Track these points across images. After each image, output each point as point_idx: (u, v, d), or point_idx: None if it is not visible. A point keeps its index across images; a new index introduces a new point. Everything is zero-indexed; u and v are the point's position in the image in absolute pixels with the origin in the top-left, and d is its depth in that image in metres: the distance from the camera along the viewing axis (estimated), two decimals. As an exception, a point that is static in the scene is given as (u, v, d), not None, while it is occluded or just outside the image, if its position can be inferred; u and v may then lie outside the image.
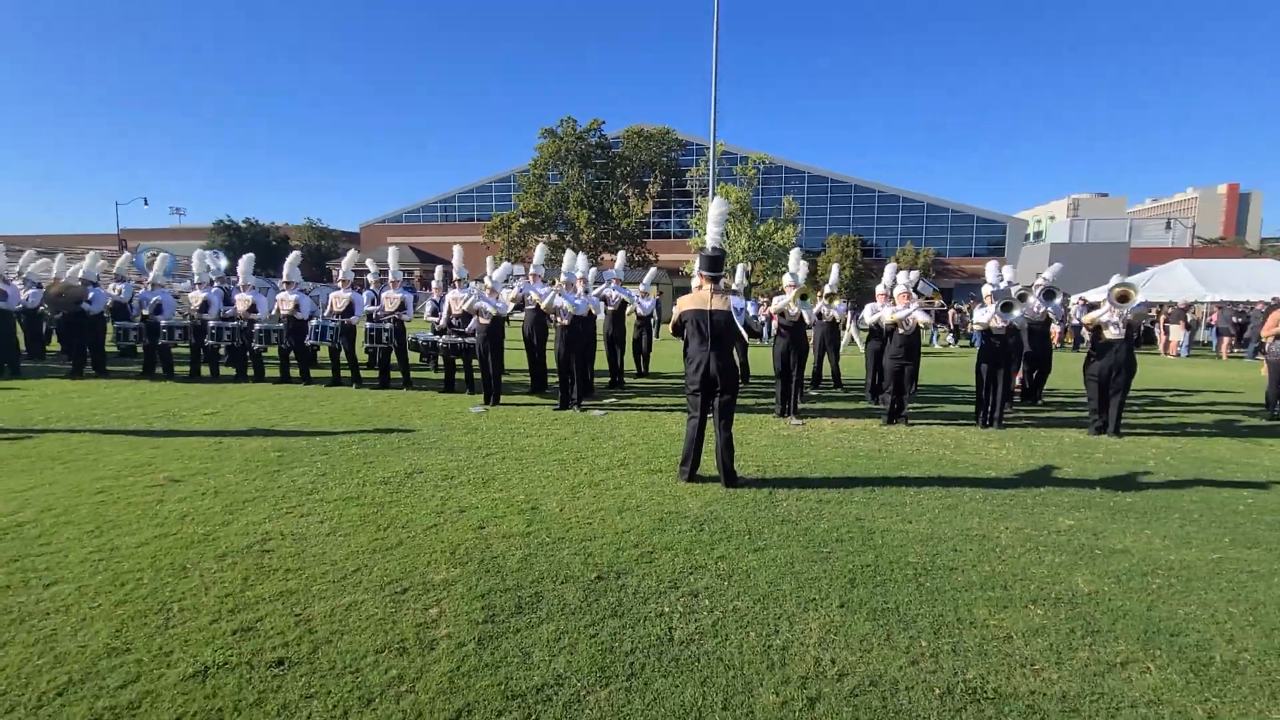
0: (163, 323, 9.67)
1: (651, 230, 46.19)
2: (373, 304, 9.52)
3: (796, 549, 3.67)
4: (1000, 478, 5.23)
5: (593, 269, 10.04)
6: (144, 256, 10.55)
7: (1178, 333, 18.28)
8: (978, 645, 2.69)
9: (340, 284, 9.43)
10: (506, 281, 9.01)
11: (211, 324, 9.50)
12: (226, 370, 10.09)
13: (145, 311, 9.78)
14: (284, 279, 9.48)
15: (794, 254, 8.32)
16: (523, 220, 37.16)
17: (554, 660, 2.54)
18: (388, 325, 9.00)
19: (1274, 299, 17.21)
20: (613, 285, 10.07)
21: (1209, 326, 19.48)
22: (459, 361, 8.96)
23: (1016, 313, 7.18)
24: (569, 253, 8.88)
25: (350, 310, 9.19)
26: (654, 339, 11.18)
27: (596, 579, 3.25)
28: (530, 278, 8.82)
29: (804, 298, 7.59)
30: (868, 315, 8.46)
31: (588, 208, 37.37)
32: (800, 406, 7.86)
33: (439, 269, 10.13)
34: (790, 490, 4.76)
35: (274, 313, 9.56)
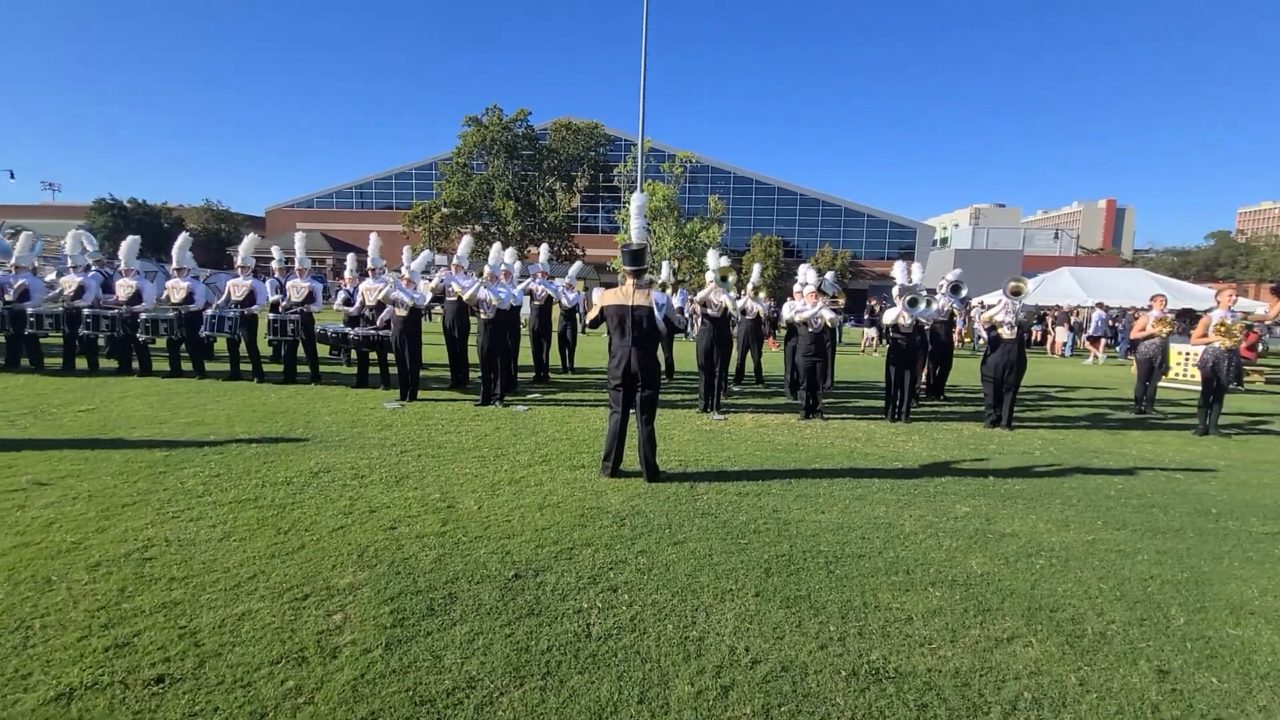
0: (29, 310, 8.68)
1: (579, 224, 45.91)
2: (278, 293, 8.93)
3: (715, 541, 3.73)
4: (906, 469, 5.53)
5: (517, 262, 9.83)
6: (2, 235, 9.40)
7: (1063, 334, 20.02)
8: (881, 628, 2.83)
9: (240, 270, 8.78)
10: (426, 272, 8.68)
11: (88, 312, 8.61)
12: (107, 363, 9.18)
13: (9, 297, 8.74)
14: (174, 264, 8.72)
15: (711, 254, 8.49)
16: (445, 210, 35.99)
17: (467, 662, 2.45)
18: (294, 316, 8.46)
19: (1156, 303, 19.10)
20: (538, 279, 9.91)
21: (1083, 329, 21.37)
22: (373, 355, 8.55)
23: (922, 307, 7.61)
24: (496, 244, 8.67)
25: (251, 299, 8.57)
26: (579, 334, 11.11)
27: (514, 577, 3.18)
28: (453, 268, 8.54)
29: (724, 279, 7.79)
30: (786, 313, 8.73)
31: (513, 199, 36.66)
32: (723, 402, 8.02)
33: (350, 257, 9.63)
34: (711, 484, 4.83)
35: (163, 300, 8.78)
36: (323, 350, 10.00)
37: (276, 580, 3.05)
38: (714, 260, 8.32)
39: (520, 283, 9.21)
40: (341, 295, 9.45)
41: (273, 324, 8.53)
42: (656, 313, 4.80)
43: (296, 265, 8.76)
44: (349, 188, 50.49)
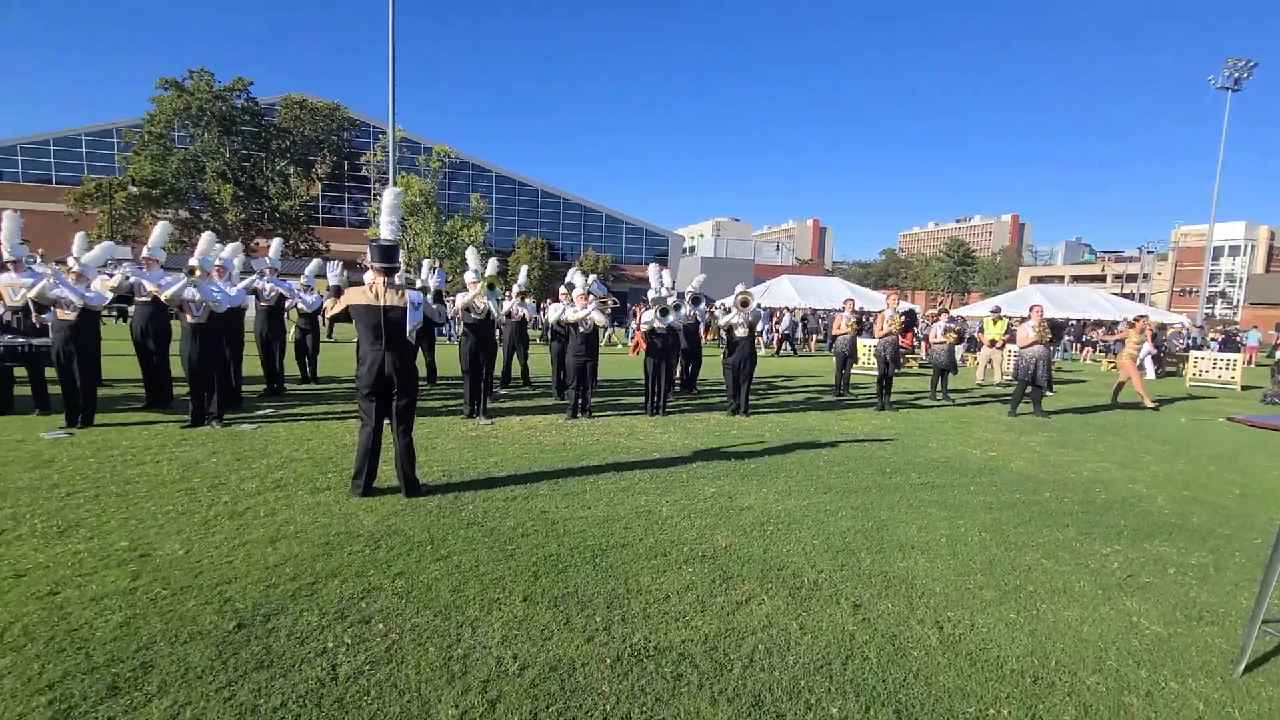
0: None
1: (321, 216, 41.07)
2: None
3: (482, 551, 3.59)
4: (664, 458, 5.96)
5: (239, 256, 8.40)
6: None
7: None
8: (642, 610, 2.99)
9: None
10: (105, 265, 6.95)
11: None
12: None
13: None
14: None
15: (470, 252, 8.24)
16: (134, 189, 29.32)
17: (166, 746, 1.99)
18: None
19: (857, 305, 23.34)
20: (265, 276, 8.57)
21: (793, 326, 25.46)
22: (20, 371, 6.55)
23: (671, 317, 8.31)
24: (206, 234, 7.24)
25: None
26: (321, 339, 9.91)
27: (236, 628, 2.68)
28: (144, 263, 6.96)
29: (491, 287, 7.48)
30: (551, 315, 8.85)
31: (233, 182, 31.34)
32: (489, 406, 7.82)
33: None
34: (477, 491, 4.66)
35: None
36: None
37: None
38: (474, 259, 8.07)
39: (243, 280, 7.87)
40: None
41: None
42: (412, 313, 4.46)
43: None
44: (-23, 151, 38.29)
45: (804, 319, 25.52)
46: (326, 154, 36.14)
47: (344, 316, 4.48)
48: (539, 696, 2.32)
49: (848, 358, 11.37)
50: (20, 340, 6.31)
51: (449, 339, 17.55)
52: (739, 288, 8.92)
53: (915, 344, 19.26)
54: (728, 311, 8.84)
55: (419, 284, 9.24)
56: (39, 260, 6.34)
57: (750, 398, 8.81)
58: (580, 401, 7.95)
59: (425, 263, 10.47)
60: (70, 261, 6.28)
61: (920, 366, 16.98)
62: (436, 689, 2.34)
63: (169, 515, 3.94)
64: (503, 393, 9.65)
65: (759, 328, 21.04)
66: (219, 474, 4.83)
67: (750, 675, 2.51)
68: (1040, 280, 58.38)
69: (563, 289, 8.93)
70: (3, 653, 2.44)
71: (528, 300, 9.50)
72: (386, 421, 4.49)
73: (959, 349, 15.20)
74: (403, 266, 9.01)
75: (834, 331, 11.68)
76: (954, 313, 11.45)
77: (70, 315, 5.94)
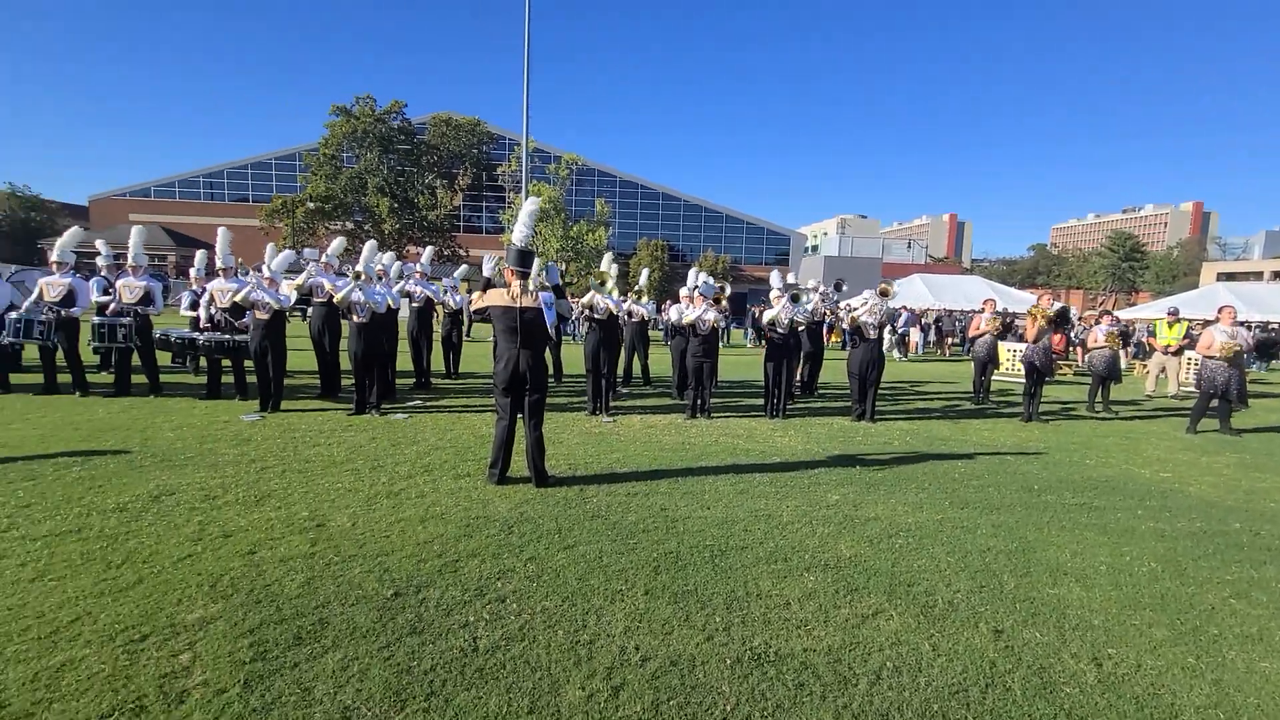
0: None
1: (461, 224, 44.40)
2: (105, 294, 7.83)
3: (605, 543, 3.74)
4: (783, 462, 5.85)
5: (397, 262, 9.33)
6: None
7: (916, 334, 22.13)
8: (762, 614, 2.97)
9: (55, 267, 7.61)
10: (290, 271, 8.00)
11: None
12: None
13: None
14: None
15: (606, 257, 8.57)
16: (311, 205, 33.34)
17: (340, 691, 2.28)
18: (126, 320, 7.46)
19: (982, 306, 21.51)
20: (415, 279, 9.45)
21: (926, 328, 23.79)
22: (226, 363, 7.73)
23: (803, 300, 8.11)
24: (370, 243, 8.13)
25: (70, 300, 7.45)
26: (465, 337, 10.74)
27: (393, 596, 3.01)
28: (323, 267, 7.93)
29: (602, 284, 7.85)
30: (672, 315, 8.96)
31: (389, 196, 34.70)
32: (611, 404, 8.08)
33: (200, 254, 8.64)
34: (600, 486, 4.85)
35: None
36: (164, 358, 8.91)
37: (106, 622, 2.67)
38: (607, 262, 8.42)
39: (397, 284, 8.74)
40: (187, 297, 8.46)
41: (98, 329, 7.46)
42: (546, 312, 4.74)
43: (129, 262, 7.73)
44: (195, 176, 45.45)
45: (937, 320, 23.74)
46: (468, 166, 39.01)
47: (484, 317, 4.85)
48: (660, 689, 2.39)
49: (987, 363, 10.48)
50: (226, 336, 7.45)
51: (574, 338, 18.28)
52: (866, 291, 8.53)
53: (1070, 347, 17.30)
54: (854, 310, 8.49)
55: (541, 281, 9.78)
56: (249, 271, 7.45)
57: (877, 403, 8.39)
58: (699, 402, 7.99)
59: (551, 265, 11.04)
60: (264, 269, 7.31)
61: (1076, 374, 15.26)
62: (565, 670, 2.49)
63: (339, 491, 4.48)
64: (624, 391, 9.92)
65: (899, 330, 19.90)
66: (378, 457, 5.41)
67: (877, 693, 2.42)
68: (1229, 277, 49.95)
69: (684, 291, 9.02)
70: (215, 599, 2.91)
71: (644, 299, 9.70)
72: (519, 415, 4.80)
73: (1124, 355, 13.44)
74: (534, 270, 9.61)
75: (972, 333, 10.80)
76: (1118, 314, 10.15)
77: (265, 315, 6.92)
